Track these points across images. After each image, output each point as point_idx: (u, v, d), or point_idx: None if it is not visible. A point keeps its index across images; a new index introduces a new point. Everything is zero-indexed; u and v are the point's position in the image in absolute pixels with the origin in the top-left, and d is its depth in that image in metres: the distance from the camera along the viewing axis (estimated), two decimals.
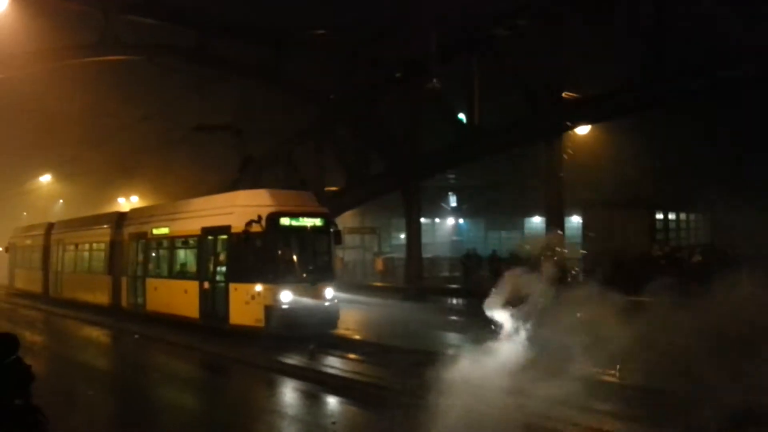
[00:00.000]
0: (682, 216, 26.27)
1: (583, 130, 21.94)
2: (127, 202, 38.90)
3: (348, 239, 29.16)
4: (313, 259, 14.57)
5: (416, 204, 25.54)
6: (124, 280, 18.67)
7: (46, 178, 42.32)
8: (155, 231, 17.55)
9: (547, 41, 20.46)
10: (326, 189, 28.11)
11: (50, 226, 25.53)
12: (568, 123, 20.52)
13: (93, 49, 22.17)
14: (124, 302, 18.54)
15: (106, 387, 10.98)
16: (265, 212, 13.60)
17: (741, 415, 7.07)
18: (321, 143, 28.86)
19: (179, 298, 15.70)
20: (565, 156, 20.90)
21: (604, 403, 8.25)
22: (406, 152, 25.30)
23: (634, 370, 9.16)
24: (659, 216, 23.92)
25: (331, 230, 14.59)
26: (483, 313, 12.10)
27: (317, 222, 14.37)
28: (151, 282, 17.36)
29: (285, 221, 13.91)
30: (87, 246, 21.86)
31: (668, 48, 17.68)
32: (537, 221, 37.40)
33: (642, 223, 22.38)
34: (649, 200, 23.08)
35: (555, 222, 21.03)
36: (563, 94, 20.62)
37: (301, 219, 14.18)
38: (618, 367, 9.29)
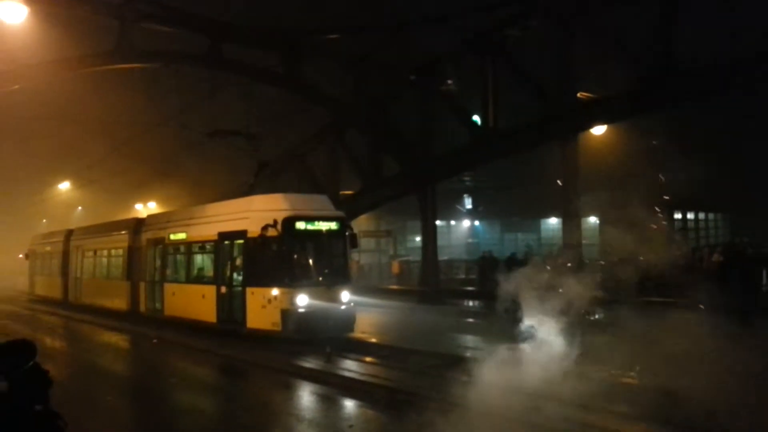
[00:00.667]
0: (701, 216, 26.01)
1: (599, 130, 21.79)
2: (145, 209, 39.24)
3: (363, 242, 29.17)
4: (329, 263, 14.60)
5: (431, 206, 25.47)
6: (142, 286, 18.83)
7: (65, 186, 42.86)
8: (172, 236, 17.70)
9: (560, 42, 20.38)
10: (341, 192, 28.18)
11: (69, 233, 25.83)
12: (583, 123, 20.42)
13: (109, 58, 22.40)
14: (142, 307, 18.71)
15: (125, 391, 11.08)
16: (280, 216, 13.65)
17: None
18: (335, 147, 28.94)
19: (197, 302, 15.80)
20: (580, 157, 20.77)
21: (619, 404, 8.15)
22: (420, 155, 25.26)
23: (653, 372, 9.05)
24: (677, 216, 23.69)
25: (347, 233, 14.61)
26: (499, 315, 12.07)
27: (333, 225, 14.39)
28: (168, 287, 17.50)
29: (300, 225, 13.96)
30: (105, 252, 22.08)
31: (681, 46, 17.54)
32: (554, 222, 37.24)
33: (660, 223, 22.17)
34: (668, 200, 22.87)
35: (571, 223, 20.90)
36: (578, 95, 20.51)
37: (316, 223, 14.21)
38: (637, 368, 9.19)
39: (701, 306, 8.95)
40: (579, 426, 7.28)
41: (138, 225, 20.28)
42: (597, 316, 12.03)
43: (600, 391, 8.31)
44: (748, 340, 8.23)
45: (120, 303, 19.84)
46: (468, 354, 12.42)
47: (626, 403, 8.16)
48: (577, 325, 10.06)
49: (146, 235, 19.16)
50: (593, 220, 29.73)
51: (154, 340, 15.79)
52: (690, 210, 24.82)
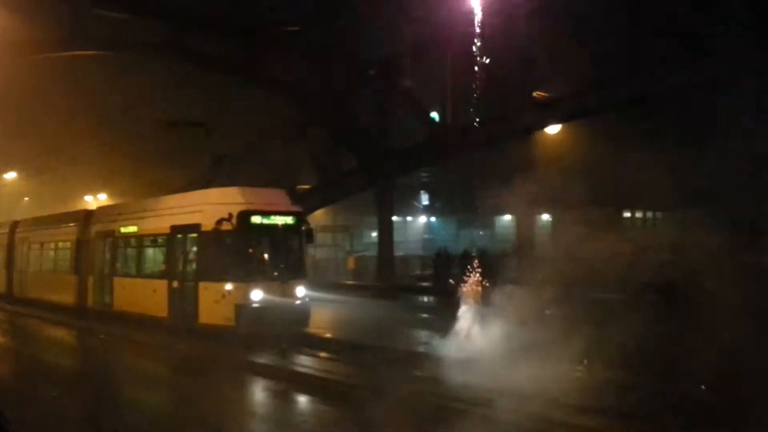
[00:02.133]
0: (649, 214, 26.76)
1: (553, 129, 22.22)
2: (95, 201, 38.25)
3: (320, 238, 29.12)
4: (285, 258, 14.50)
5: (388, 202, 25.58)
6: (90, 280, 18.36)
7: (11, 176, 41.39)
8: (123, 229, 17.30)
9: (519, 41, 20.67)
10: (298, 187, 28.00)
11: (14, 224, 24.98)
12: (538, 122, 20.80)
13: (62, 45, 21.71)
14: (90, 302, 18.24)
15: (72, 387, 10.78)
16: (236, 210, 13.48)
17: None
18: (293, 141, 28.74)
19: (147, 297, 15.49)
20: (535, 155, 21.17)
21: (570, 396, 8.32)
22: (378, 150, 25.32)
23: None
24: (627, 214, 24.34)
25: (303, 228, 14.53)
26: (453, 310, 12.23)
27: (289, 220, 14.29)
28: (118, 281, 17.11)
29: (256, 219, 13.81)
30: (53, 245, 21.44)
31: (638, 48, 18.00)
32: (508, 219, 37.74)
33: (610, 221, 22.73)
34: (617, 199, 23.43)
35: (525, 221, 21.28)
36: (534, 94, 20.87)
37: (272, 217, 14.09)
38: (585, 362, 9.42)
39: None
40: (527, 418, 7.41)
41: (87, 217, 19.75)
42: (548, 312, 12.27)
43: (550, 383, 8.48)
44: None
45: (67, 297, 19.30)
46: (422, 349, 12.55)
47: (576, 394, 8.32)
48: (530, 320, 10.31)
49: (96, 228, 18.68)
50: (546, 217, 30.27)
51: (102, 336, 15.43)
52: (638, 209, 25.49)
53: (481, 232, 38.93)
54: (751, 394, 7.30)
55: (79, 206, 30.86)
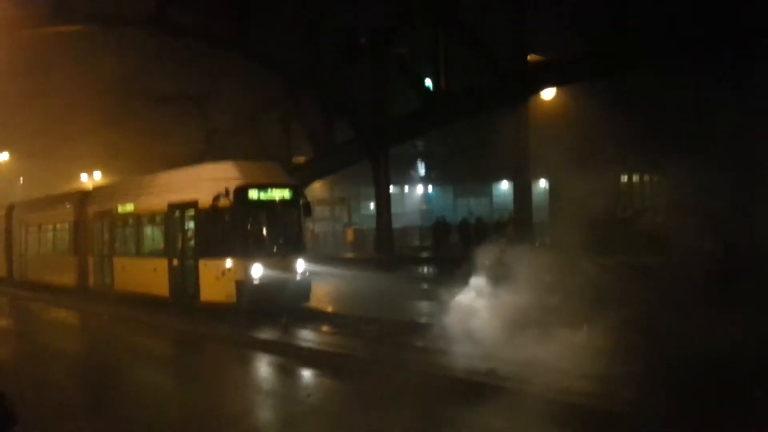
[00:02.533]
0: (646, 178, 26.72)
1: (548, 94, 22.02)
2: (90, 179, 38.05)
3: (317, 211, 29.03)
4: (284, 232, 14.45)
5: (385, 173, 25.48)
6: (90, 260, 18.35)
7: (4, 157, 41.06)
8: (120, 209, 17.23)
9: (511, 4, 20.40)
10: (293, 160, 27.87)
11: (11, 207, 24.86)
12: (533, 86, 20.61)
13: (48, 20, 21.36)
14: (91, 282, 18.26)
15: (76, 370, 10.84)
16: (232, 185, 13.39)
17: None
18: (287, 113, 28.50)
19: (148, 276, 15.49)
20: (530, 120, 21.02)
21: (569, 363, 8.34)
22: (373, 120, 25.13)
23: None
24: (624, 178, 24.30)
25: (301, 202, 14.45)
26: (454, 280, 12.26)
27: (286, 194, 14.21)
28: (118, 261, 17.10)
29: (253, 194, 13.73)
30: (51, 226, 21.38)
31: (633, 11, 17.77)
32: (505, 186, 37.73)
33: (607, 185, 22.69)
34: (615, 162, 23.35)
35: (522, 187, 21.22)
36: (528, 57, 20.63)
37: (269, 191, 14.00)
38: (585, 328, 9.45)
39: None
40: (527, 384, 7.46)
41: (84, 198, 19.66)
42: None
43: (555, 352, 8.51)
44: None
45: (68, 279, 19.32)
46: (423, 320, 12.62)
47: (589, 364, 8.29)
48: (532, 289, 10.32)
49: (93, 208, 18.60)
50: (543, 183, 30.25)
51: (105, 316, 15.47)
52: (635, 172, 25.44)
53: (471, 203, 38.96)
54: None
55: (74, 185, 30.71)
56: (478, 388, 7.72)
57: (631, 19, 17.73)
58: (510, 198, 26.09)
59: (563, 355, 8.06)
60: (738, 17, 15.76)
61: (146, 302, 15.25)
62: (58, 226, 20.87)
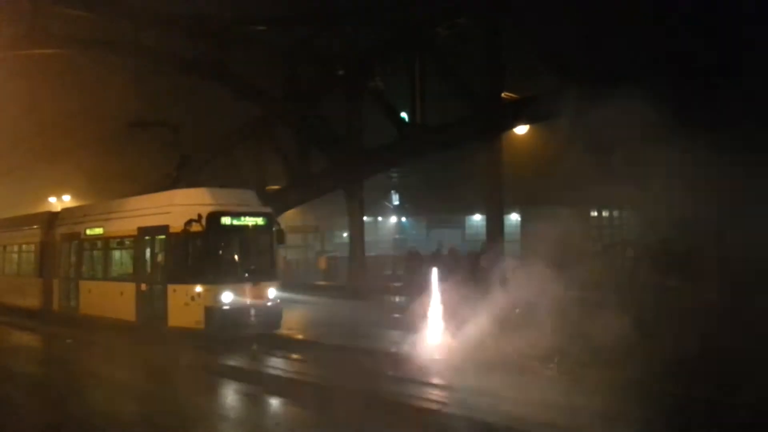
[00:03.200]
0: (615, 213, 27.18)
1: (521, 129, 22.44)
2: (59, 202, 37.42)
3: (290, 238, 28.86)
4: (256, 259, 14.37)
5: (359, 202, 25.56)
6: (56, 283, 17.98)
7: None
8: (89, 231, 16.98)
9: (486, 41, 20.86)
10: (268, 188, 27.80)
11: None
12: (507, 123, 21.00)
13: (21, 42, 21.21)
14: (55, 305, 17.87)
15: (36, 393, 10.53)
16: (205, 211, 13.32)
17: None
18: (262, 141, 28.52)
19: (115, 300, 15.23)
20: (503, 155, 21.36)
21: (545, 394, 8.41)
22: (348, 150, 25.28)
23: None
24: (594, 213, 24.71)
25: (274, 229, 14.42)
26: (425, 310, 12.29)
27: (259, 221, 14.18)
28: (84, 284, 16.79)
29: (226, 220, 13.67)
30: (16, 247, 20.94)
31: (601, 53, 18.29)
32: (478, 219, 38.05)
33: (577, 220, 23.05)
34: (585, 198, 23.77)
35: (494, 220, 21.44)
36: (502, 95, 21.06)
37: (242, 218, 13.96)
38: (556, 360, 9.54)
39: None
40: (496, 416, 7.47)
41: (52, 219, 19.33)
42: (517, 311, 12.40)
43: (520, 382, 8.57)
44: None
45: (32, 301, 18.86)
46: (394, 349, 12.57)
47: (546, 391, 8.41)
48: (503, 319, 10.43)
49: (61, 230, 18.29)
50: (516, 216, 30.60)
51: (69, 340, 15.10)
52: (605, 208, 25.88)
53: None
54: None
55: (43, 208, 30.12)
56: (449, 419, 7.69)
57: (604, 56, 18.24)
58: (482, 230, 26.30)
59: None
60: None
61: (112, 327, 14.92)
62: (23, 247, 20.46)
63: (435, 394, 8.69)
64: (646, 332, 9.55)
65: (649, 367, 8.50)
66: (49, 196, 38.65)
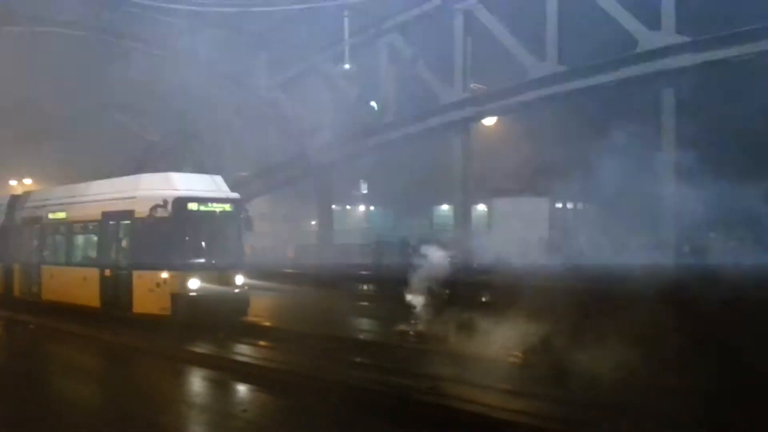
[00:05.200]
0: (579, 206, 27.65)
1: (489, 121, 22.68)
2: (20, 185, 36.52)
3: (259, 226, 28.68)
4: (223, 246, 14.27)
5: (327, 191, 25.54)
6: (17, 268, 17.61)
7: None
8: (51, 216, 16.64)
9: (457, 33, 20.98)
10: (237, 174, 27.57)
11: None
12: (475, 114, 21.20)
13: None
14: (17, 291, 17.51)
15: None
16: (171, 196, 13.17)
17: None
18: (232, 128, 28.20)
19: (78, 286, 14.98)
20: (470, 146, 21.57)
21: (505, 382, 8.63)
22: (317, 139, 25.22)
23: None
24: (558, 205, 25.13)
25: (242, 216, 14.33)
26: (393, 298, 12.42)
27: (227, 207, 14.07)
28: (47, 269, 16.47)
29: (193, 206, 13.53)
30: None
31: (571, 45, 18.59)
32: (445, 209, 38.32)
33: (542, 211, 23.46)
34: (549, 189, 24.16)
35: (461, 210, 21.66)
36: (471, 86, 21.24)
37: (210, 204, 13.83)
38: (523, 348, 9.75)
39: None
40: (463, 401, 7.65)
41: (13, 202, 18.87)
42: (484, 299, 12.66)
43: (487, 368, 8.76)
44: None
45: None
46: (362, 336, 12.67)
47: (510, 380, 8.65)
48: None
49: (22, 214, 17.89)
50: (482, 207, 30.88)
51: (31, 326, 14.84)
52: (569, 200, 26.31)
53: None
54: None
55: (4, 192, 29.39)
56: (418, 405, 7.81)
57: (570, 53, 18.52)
58: (450, 220, 26.53)
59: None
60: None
61: (75, 313, 14.72)
62: None
63: (400, 381, 8.79)
64: None
65: None
66: (10, 180, 37.72)
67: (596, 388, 7.62)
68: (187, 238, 13.76)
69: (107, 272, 14.27)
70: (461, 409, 7.42)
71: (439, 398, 7.87)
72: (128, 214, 13.82)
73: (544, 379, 8.49)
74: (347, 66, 24.71)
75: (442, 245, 12.35)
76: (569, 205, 26.67)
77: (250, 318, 13.86)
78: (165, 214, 13.02)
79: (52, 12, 22.16)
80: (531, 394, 8.02)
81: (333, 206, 27.05)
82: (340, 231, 33.02)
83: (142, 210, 13.27)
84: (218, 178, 15.45)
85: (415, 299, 11.24)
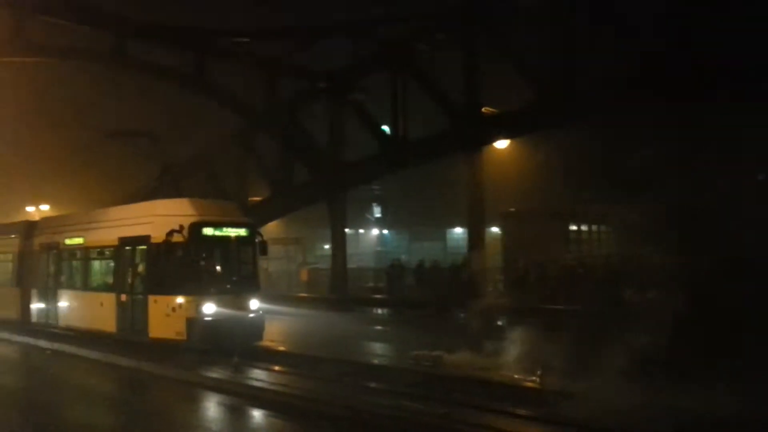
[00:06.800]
0: (594, 228, 27.54)
1: (501, 144, 22.72)
2: (37, 211, 36.95)
3: (272, 250, 28.80)
4: (237, 270, 14.34)
5: (341, 214, 25.62)
6: (34, 293, 17.75)
7: None
8: (68, 241, 16.82)
9: (465, 57, 21.14)
10: (249, 199, 27.78)
11: None
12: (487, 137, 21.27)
13: (2, 50, 21.04)
14: (34, 317, 17.64)
15: (15, 405, 10.41)
16: (187, 222, 13.28)
17: None
18: (244, 152, 28.50)
19: (95, 311, 15.08)
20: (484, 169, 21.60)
21: (518, 406, 8.55)
22: (330, 163, 25.36)
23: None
24: (573, 227, 25.03)
25: (256, 240, 14.41)
26: (406, 322, 12.38)
27: (241, 232, 14.16)
28: (63, 294, 16.60)
29: (208, 231, 13.63)
30: None
31: (579, 65, 18.67)
32: (459, 232, 38.30)
33: (557, 233, 23.37)
34: (564, 212, 24.11)
35: (475, 233, 21.62)
36: (483, 110, 21.32)
37: (224, 229, 13.94)
38: (539, 372, 9.67)
39: None
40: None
41: (30, 228, 19.10)
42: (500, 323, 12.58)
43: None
44: None
45: (9, 312, 18.56)
46: (377, 361, 12.63)
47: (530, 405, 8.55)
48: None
49: (39, 240, 18.09)
50: (496, 230, 30.82)
51: (48, 351, 14.93)
52: (584, 222, 26.23)
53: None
54: None
55: (21, 217, 29.78)
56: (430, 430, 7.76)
57: (579, 71, 18.59)
58: (464, 243, 26.48)
59: None
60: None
61: (92, 338, 14.80)
62: (1, 256, 20.15)
63: (418, 407, 8.73)
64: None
65: None
66: (27, 205, 38.19)
67: None
68: (202, 263, 13.84)
69: (123, 297, 14.36)
70: None
71: (453, 424, 7.82)
72: (144, 239, 13.93)
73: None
74: (359, 91, 24.94)
75: None
76: (584, 227, 26.60)
77: (265, 342, 13.87)
78: (180, 239, 13.12)
79: (69, 41, 22.56)
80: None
81: (346, 230, 27.08)
82: (354, 254, 33.07)
83: (158, 235, 13.38)
84: (233, 204, 15.63)
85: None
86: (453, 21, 21.85)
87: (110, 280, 15.24)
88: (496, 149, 23.02)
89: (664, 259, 15.24)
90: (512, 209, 24.70)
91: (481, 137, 21.34)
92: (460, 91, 21.55)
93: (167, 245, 13.14)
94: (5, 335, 17.43)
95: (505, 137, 22.05)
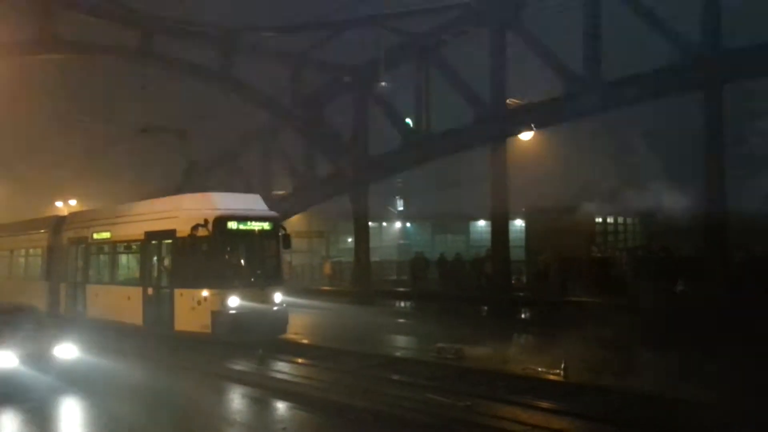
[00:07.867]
0: (620, 220, 27.19)
1: (526, 136, 22.47)
2: (66, 206, 37.62)
3: (295, 243, 28.95)
4: (262, 264, 14.44)
5: (364, 208, 25.62)
6: (63, 287, 18.09)
7: None
8: (96, 236, 17.08)
9: (492, 48, 20.93)
10: (274, 193, 27.93)
11: None
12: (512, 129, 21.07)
13: (31, 47, 21.37)
14: (62, 309, 17.97)
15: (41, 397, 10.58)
16: (211, 216, 13.39)
17: None
18: (268, 146, 28.66)
19: (122, 304, 15.31)
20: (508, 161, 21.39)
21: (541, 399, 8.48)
22: (354, 156, 25.36)
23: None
24: (599, 220, 24.72)
25: (280, 234, 14.47)
26: (429, 314, 12.33)
27: (265, 226, 14.23)
28: (92, 288, 16.89)
29: (233, 225, 13.73)
30: (23, 251, 21.04)
31: (607, 56, 18.40)
32: (482, 224, 38.11)
33: (582, 227, 23.10)
34: (589, 205, 23.80)
35: (499, 226, 21.46)
36: (507, 101, 21.11)
37: (249, 223, 14.02)
38: (563, 365, 9.58)
39: None
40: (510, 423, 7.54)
41: (59, 223, 19.45)
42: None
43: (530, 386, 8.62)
44: None
45: (38, 304, 18.83)
46: (399, 354, 12.62)
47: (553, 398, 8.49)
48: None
49: (68, 234, 18.41)
50: (520, 222, 30.61)
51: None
52: (610, 215, 25.89)
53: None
54: None
55: (50, 213, 30.33)
56: (453, 424, 7.73)
57: (607, 62, 18.33)
58: (487, 236, 26.32)
59: None
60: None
61: (119, 330, 15.01)
62: (30, 251, 20.56)
63: (441, 400, 8.70)
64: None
65: None
66: (56, 201, 38.88)
67: None
68: (227, 257, 13.97)
69: (150, 290, 14.56)
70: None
71: (475, 416, 7.78)
72: (170, 233, 14.09)
73: None
74: (384, 84, 24.85)
75: None
76: (610, 220, 26.27)
77: (289, 335, 13.95)
78: (206, 233, 13.24)
79: (96, 37, 22.83)
80: None
81: (369, 222, 27.09)
82: (376, 247, 33.10)
83: (183, 229, 13.52)
84: (257, 197, 15.69)
85: None
86: (479, 12, 21.64)
87: (136, 273, 15.46)
88: (521, 141, 22.78)
89: (701, 254, 15.04)
90: (536, 203, 24.48)
91: (506, 129, 21.13)
92: (485, 82, 21.37)
93: (192, 239, 13.26)
94: None
95: (530, 129, 21.79)
